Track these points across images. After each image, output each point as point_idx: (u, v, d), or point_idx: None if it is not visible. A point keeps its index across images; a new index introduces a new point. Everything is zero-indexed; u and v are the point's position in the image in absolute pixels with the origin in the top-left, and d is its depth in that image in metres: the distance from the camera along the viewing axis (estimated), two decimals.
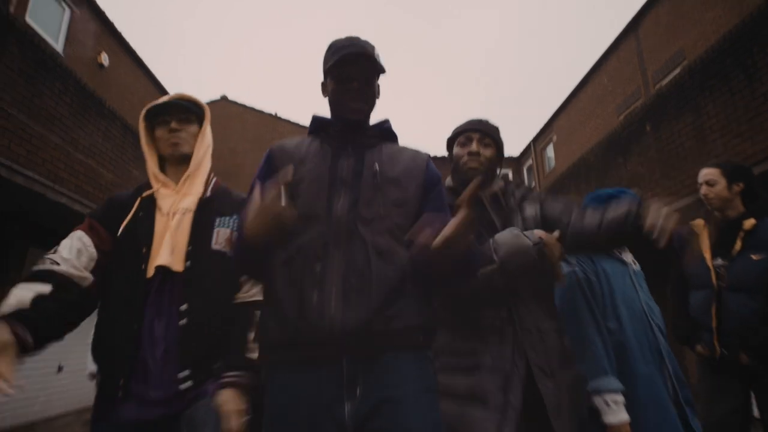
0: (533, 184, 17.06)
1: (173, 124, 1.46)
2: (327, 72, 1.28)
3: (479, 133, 1.65)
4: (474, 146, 1.62)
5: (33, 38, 4.48)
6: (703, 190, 2.28)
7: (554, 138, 15.19)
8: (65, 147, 4.84)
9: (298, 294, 1.04)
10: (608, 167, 6.80)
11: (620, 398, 1.51)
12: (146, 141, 1.52)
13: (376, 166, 1.20)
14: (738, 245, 2.16)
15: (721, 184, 2.22)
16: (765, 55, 4.15)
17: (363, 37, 1.26)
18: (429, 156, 1.38)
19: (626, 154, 6.32)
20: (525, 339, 1.39)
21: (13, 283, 4.14)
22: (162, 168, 1.50)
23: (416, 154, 1.35)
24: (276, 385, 1.07)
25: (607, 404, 1.50)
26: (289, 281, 1.06)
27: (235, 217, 1.42)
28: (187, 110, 1.51)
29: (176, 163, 1.49)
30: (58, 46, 8.95)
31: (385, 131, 1.36)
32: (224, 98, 16.64)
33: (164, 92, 13.03)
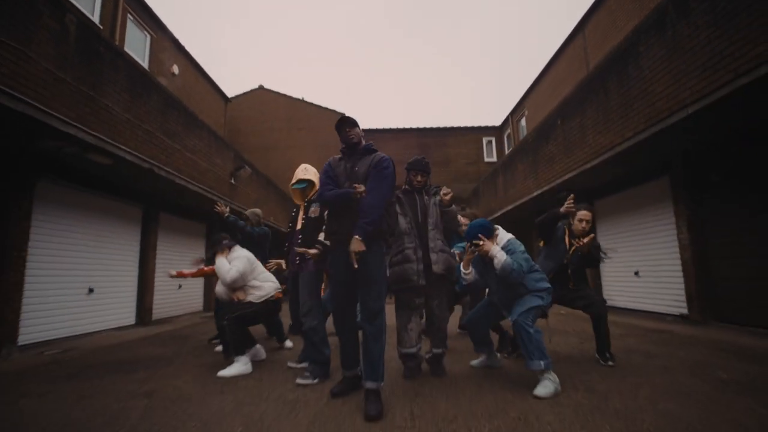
0: (511, 149, 18.61)
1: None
2: (336, 129, 2.72)
3: (421, 172, 3.33)
4: (419, 178, 3.32)
5: (161, 87, 6.41)
6: (585, 225, 3.48)
7: (526, 113, 16.60)
8: (181, 150, 6.89)
9: (338, 224, 2.58)
10: (538, 147, 8.57)
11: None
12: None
13: (357, 167, 2.60)
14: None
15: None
16: (614, 81, 5.82)
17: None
18: (381, 156, 2.62)
19: (548, 139, 8.09)
20: (429, 241, 3.21)
21: (149, 236, 6.85)
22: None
23: (375, 155, 2.65)
24: (335, 253, 2.67)
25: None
26: (336, 215, 2.63)
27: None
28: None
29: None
30: (145, 64, 10.81)
31: (366, 149, 2.70)
32: (261, 87, 18.29)
33: (218, 89, 14.83)
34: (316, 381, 3.01)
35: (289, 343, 4.71)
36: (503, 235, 3.09)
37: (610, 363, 3.27)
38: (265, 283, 3.85)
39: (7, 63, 3.69)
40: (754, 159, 4.80)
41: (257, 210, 5.55)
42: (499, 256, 2.86)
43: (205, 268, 4.64)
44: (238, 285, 3.74)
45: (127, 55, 5.65)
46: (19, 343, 4.64)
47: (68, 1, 7.21)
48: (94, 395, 2.85)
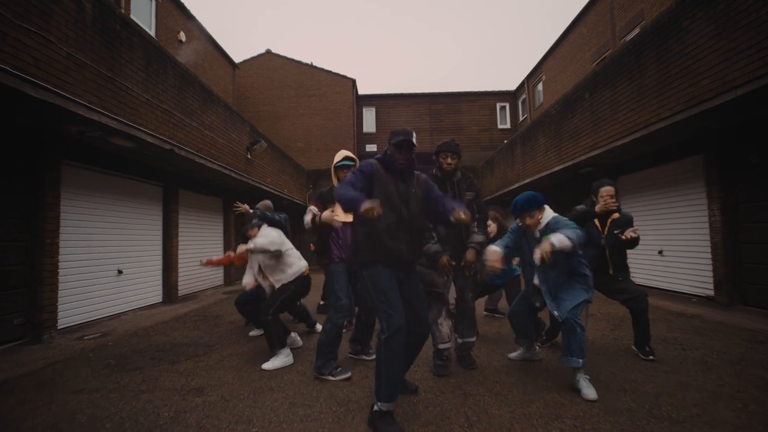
0: (525, 115, 18.11)
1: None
2: (392, 144, 2.38)
3: (451, 153, 3.14)
4: (449, 160, 3.13)
5: (175, 62, 6.17)
6: (610, 201, 3.37)
7: (543, 77, 15.99)
8: (199, 128, 6.74)
9: (390, 242, 2.28)
10: (562, 119, 8.30)
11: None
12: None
13: (414, 189, 2.41)
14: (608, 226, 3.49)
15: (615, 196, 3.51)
16: (651, 57, 5.52)
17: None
18: (425, 175, 2.60)
19: (573, 112, 7.81)
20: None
21: (170, 214, 6.84)
22: None
23: (419, 174, 2.53)
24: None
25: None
26: (387, 236, 2.27)
27: None
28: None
29: None
30: (152, 31, 10.40)
31: (413, 169, 2.47)
32: (269, 51, 17.67)
33: (225, 55, 14.33)
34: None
35: (319, 327, 4.79)
36: (548, 211, 2.98)
37: (651, 357, 3.30)
38: (297, 261, 3.85)
39: (28, 50, 3.54)
40: None
41: (268, 202, 5.45)
42: (558, 242, 2.59)
43: (232, 255, 4.68)
44: (279, 250, 3.69)
45: (143, 31, 5.38)
46: (59, 327, 4.76)
47: None
48: (145, 391, 2.94)
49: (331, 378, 3.07)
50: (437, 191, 2.55)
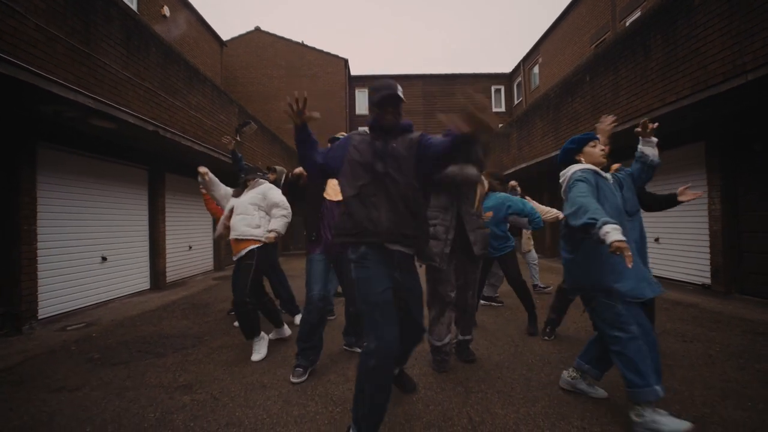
0: (521, 98, 17.87)
1: None
2: (374, 105, 2.00)
3: None
4: None
5: (158, 38, 5.83)
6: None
7: (540, 60, 15.71)
8: (184, 108, 6.44)
9: (361, 209, 1.90)
10: (561, 103, 8.12)
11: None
12: None
13: (395, 143, 1.95)
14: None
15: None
16: (657, 39, 5.34)
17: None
18: (420, 134, 2.01)
19: (573, 96, 7.63)
20: (463, 215, 2.95)
21: (157, 198, 6.52)
22: None
23: (415, 134, 2.02)
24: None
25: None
26: (358, 202, 1.92)
27: None
28: None
29: None
30: (133, 5, 9.91)
31: (404, 128, 2.04)
32: (258, 29, 17.07)
33: (212, 32, 13.79)
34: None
35: (297, 319, 4.51)
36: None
37: None
38: (268, 232, 3.49)
39: None
40: None
41: (283, 168, 5.30)
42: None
43: (225, 222, 4.34)
44: (288, 212, 3.55)
45: (121, 2, 5.04)
46: (40, 317, 4.57)
47: None
48: (130, 389, 2.79)
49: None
50: (433, 140, 1.94)
